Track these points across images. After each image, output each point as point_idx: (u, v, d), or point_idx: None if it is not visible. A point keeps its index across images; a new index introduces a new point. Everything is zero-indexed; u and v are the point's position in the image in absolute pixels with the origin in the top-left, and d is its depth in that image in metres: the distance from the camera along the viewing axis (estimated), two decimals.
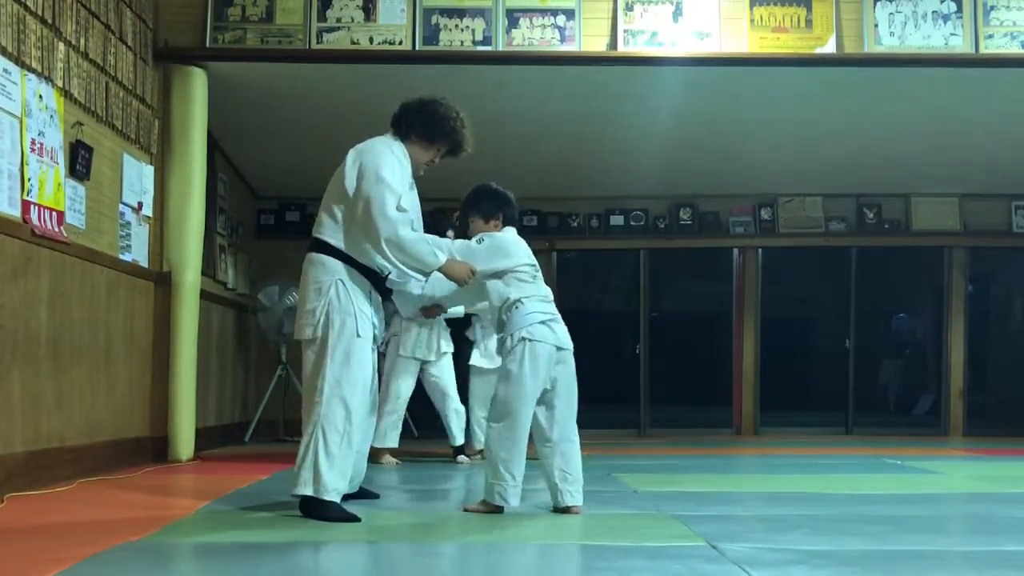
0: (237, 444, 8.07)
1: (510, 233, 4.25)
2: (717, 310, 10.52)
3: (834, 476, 5.90)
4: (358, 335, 3.87)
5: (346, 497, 4.05)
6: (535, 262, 4.20)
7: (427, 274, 4.06)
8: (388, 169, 3.89)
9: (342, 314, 3.87)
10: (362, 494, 4.31)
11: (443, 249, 4.00)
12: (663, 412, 10.17)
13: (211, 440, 7.26)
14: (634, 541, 3.56)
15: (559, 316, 4.13)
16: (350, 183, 3.92)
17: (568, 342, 4.11)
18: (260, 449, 7.62)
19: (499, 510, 3.99)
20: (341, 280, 3.91)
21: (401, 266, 3.92)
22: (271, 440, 8.42)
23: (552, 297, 4.20)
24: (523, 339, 3.99)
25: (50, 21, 4.88)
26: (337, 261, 3.94)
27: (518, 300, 4.05)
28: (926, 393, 10.97)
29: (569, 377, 4.11)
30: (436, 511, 4.32)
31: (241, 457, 6.92)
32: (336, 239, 3.96)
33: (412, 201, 4.08)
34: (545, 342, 4.00)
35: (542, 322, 4.03)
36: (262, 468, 5.77)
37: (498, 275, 4.11)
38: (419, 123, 4.10)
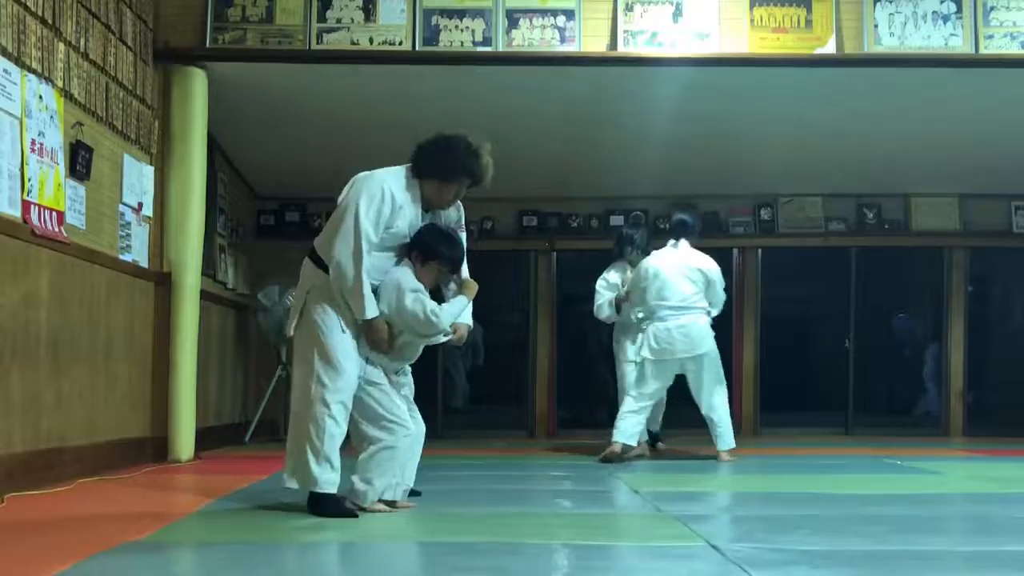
0: (237, 444, 8.07)
1: None
2: None
3: (834, 476, 5.90)
4: (343, 331, 3.95)
5: None
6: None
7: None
8: (365, 201, 3.92)
9: (318, 313, 3.97)
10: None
11: (375, 310, 3.93)
12: (663, 412, 10.12)
13: (211, 440, 7.26)
14: (634, 541, 3.57)
15: None
16: (340, 201, 4.04)
17: None
18: (260, 449, 7.63)
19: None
20: (316, 284, 4.01)
21: (337, 293, 3.94)
22: (271, 440, 8.40)
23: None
24: None
25: (50, 21, 4.88)
26: (316, 267, 4.04)
27: None
28: (926, 393, 10.95)
29: None
30: (443, 510, 4.29)
31: (241, 457, 6.92)
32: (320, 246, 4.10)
33: (392, 235, 4.01)
34: None
35: None
36: (262, 468, 5.77)
37: None
38: (431, 163, 4.10)
